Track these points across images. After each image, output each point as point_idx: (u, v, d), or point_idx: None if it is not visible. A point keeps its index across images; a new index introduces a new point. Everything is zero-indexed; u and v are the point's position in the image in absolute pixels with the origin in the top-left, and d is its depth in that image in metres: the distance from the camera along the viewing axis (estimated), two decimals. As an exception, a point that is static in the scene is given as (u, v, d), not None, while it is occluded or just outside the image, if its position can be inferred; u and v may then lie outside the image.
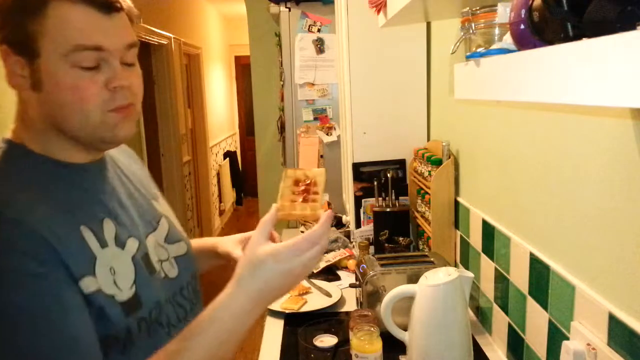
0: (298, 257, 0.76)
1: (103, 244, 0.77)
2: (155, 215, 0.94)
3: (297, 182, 0.87)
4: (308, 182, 0.85)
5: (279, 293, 0.79)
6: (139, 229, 0.86)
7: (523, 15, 0.63)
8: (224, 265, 1.06)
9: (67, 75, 0.74)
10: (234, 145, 7.61)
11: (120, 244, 0.80)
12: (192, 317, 0.83)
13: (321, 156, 2.89)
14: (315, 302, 1.66)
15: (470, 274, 1.19)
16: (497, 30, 0.83)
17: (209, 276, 1.17)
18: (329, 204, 2.48)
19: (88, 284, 0.72)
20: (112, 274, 0.76)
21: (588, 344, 0.87)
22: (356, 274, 1.48)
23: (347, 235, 2.20)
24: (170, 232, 0.95)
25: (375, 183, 1.94)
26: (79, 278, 0.71)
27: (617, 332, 0.82)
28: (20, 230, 0.68)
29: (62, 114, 0.76)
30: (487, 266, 1.38)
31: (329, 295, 1.71)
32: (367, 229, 2.02)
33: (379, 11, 1.50)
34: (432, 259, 1.44)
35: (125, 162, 0.98)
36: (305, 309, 1.61)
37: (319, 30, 2.80)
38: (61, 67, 0.73)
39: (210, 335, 0.74)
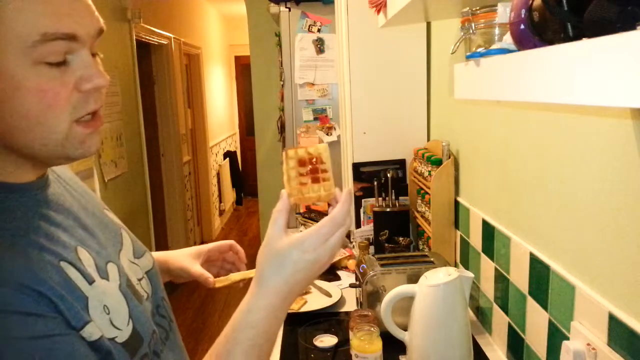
0: (325, 243, 0.70)
1: (89, 280, 0.62)
2: (115, 228, 0.79)
3: (301, 162, 0.78)
4: (313, 160, 0.78)
5: (307, 282, 0.74)
6: (108, 250, 0.72)
7: (523, 15, 0.63)
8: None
9: (29, 75, 0.57)
10: (234, 145, 7.62)
11: (103, 274, 0.66)
12: (172, 336, 0.79)
13: (321, 156, 2.88)
14: (315, 302, 1.66)
15: (470, 274, 1.19)
16: (497, 30, 0.83)
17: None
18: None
19: (91, 332, 0.59)
20: (107, 313, 0.63)
21: (588, 344, 0.87)
22: (356, 274, 1.48)
23: (347, 235, 2.20)
24: (134, 245, 0.81)
25: (375, 183, 1.94)
26: (81, 327, 0.58)
27: (617, 332, 0.82)
28: (9, 288, 0.54)
29: (16, 127, 0.58)
30: (487, 266, 1.38)
31: (329, 295, 1.71)
32: (367, 229, 2.02)
33: (379, 11, 1.50)
34: (432, 259, 1.44)
35: (62, 168, 0.78)
36: (305, 309, 1.61)
37: (319, 30, 2.80)
38: (20, 65, 0.56)
39: (247, 344, 0.69)
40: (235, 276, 1.03)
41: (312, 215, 2.35)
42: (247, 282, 1.02)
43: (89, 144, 0.63)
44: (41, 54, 0.57)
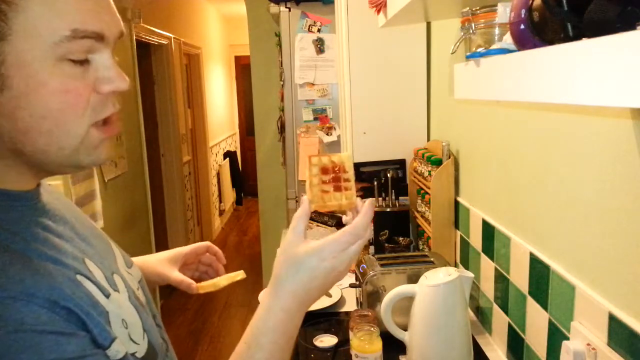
0: (342, 253, 0.70)
1: (105, 293, 0.60)
2: (105, 239, 0.76)
3: (324, 170, 0.79)
4: (337, 168, 0.79)
5: (324, 289, 0.73)
6: (109, 261, 0.69)
7: (523, 15, 0.63)
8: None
9: (53, 72, 0.53)
10: (234, 145, 7.62)
11: (114, 286, 0.63)
12: (170, 347, 0.77)
13: (321, 156, 2.88)
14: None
15: (470, 274, 1.19)
16: (497, 30, 0.83)
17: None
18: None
19: (117, 349, 0.56)
20: (125, 327, 0.60)
21: (588, 344, 0.87)
22: (356, 274, 1.48)
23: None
24: (123, 255, 0.78)
25: (375, 183, 1.94)
26: (109, 345, 0.55)
27: (617, 332, 0.82)
28: (39, 305, 0.50)
29: (33, 128, 0.54)
30: (487, 266, 1.38)
31: (329, 295, 1.71)
32: (367, 229, 2.02)
33: (379, 11, 1.50)
34: (432, 259, 1.44)
35: None
36: (305, 309, 1.61)
37: (319, 30, 2.80)
38: (46, 61, 0.53)
39: (269, 347, 0.68)
40: (222, 281, 0.99)
41: (312, 215, 2.35)
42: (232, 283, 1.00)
43: (100, 151, 0.60)
44: (67, 51, 0.54)
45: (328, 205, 0.77)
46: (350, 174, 0.78)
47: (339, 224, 2.39)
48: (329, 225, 2.19)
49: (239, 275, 1.00)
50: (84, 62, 0.56)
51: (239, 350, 0.69)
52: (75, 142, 0.57)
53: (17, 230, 0.55)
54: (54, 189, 0.72)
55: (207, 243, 1.06)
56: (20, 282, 0.50)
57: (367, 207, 0.73)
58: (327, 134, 2.88)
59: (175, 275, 0.96)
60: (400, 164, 2.03)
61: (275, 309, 0.70)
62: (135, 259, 0.93)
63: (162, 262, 0.97)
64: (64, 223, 0.65)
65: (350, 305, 1.66)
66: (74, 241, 0.63)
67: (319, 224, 2.22)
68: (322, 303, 1.64)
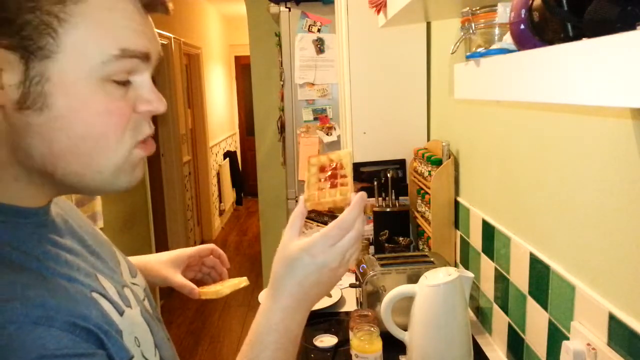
0: (332, 248, 0.69)
1: (120, 310, 0.58)
2: (109, 246, 0.73)
3: (322, 168, 0.78)
4: (334, 165, 0.77)
5: (323, 287, 0.72)
6: (118, 273, 0.68)
7: (523, 15, 0.63)
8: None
9: (97, 92, 0.52)
10: (234, 145, 7.62)
11: (126, 301, 0.62)
12: (176, 355, 0.76)
13: (321, 156, 2.88)
14: (315, 302, 1.66)
15: (470, 274, 1.19)
16: (497, 30, 0.83)
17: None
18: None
19: None
20: (138, 345, 0.59)
21: (588, 344, 0.87)
22: (356, 274, 1.48)
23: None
24: (127, 263, 0.76)
25: (375, 183, 1.94)
26: None
27: (617, 332, 0.82)
28: (57, 327, 0.49)
29: (70, 151, 0.53)
30: (487, 266, 1.38)
31: (329, 295, 1.71)
32: (367, 229, 2.02)
33: (379, 11, 1.50)
34: (432, 259, 1.44)
35: None
36: (305, 309, 1.61)
37: (319, 30, 2.80)
38: (90, 81, 0.52)
39: (273, 347, 0.68)
40: (225, 290, 0.96)
41: (312, 215, 2.34)
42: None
43: (139, 169, 0.60)
44: (112, 71, 0.52)
45: (322, 202, 0.75)
46: (348, 170, 0.77)
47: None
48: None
49: (243, 282, 0.98)
50: (126, 83, 0.55)
51: (244, 351, 0.69)
52: (116, 164, 0.56)
53: (28, 249, 0.54)
54: (61, 198, 0.70)
55: (211, 245, 1.05)
56: (40, 306, 0.49)
57: (355, 200, 0.72)
58: (327, 134, 2.88)
59: (178, 278, 0.95)
60: (400, 164, 2.03)
61: (275, 309, 0.69)
62: (136, 259, 0.93)
63: (165, 265, 0.96)
64: (73, 237, 0.63)
65: (350, 305, 1.66)
66: (84, 256, 0.61)
67: (319, 224, 2.22)
68: (322, 303, 1.64)
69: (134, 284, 0.73)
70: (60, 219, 0.63)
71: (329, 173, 0.77)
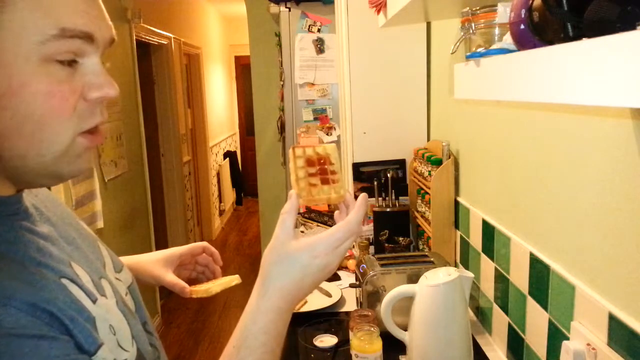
0: (336, 249, 0.68)
1: (92, 298, 0.58)
2: (92, 240, 0.73)
3: (310, 162, 0.76)
4: (322, 160, 0.76)
5: (314, 287, 0.71)
6: (96, 264, 0.67)
7: (523, 15, 0.63)
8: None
9: (38, 72, 0.51)
10: (234, 145, 7.62)
11: (101, 290, 0.62)
12: (162, 354, 0.75)
13: (321, 156, 2.89)
14: (315, 302, 1.66)
15: (470, 274, 1.19)
16: (497, 30, 0.83)
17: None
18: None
19: (104, 356, 0.55)
20: (113, 333, 0.59)
21: (588, 344, 0.87)
22: (356, 274, 1.48)
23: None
24: (112, 258, 0.75)
25: (375, 183, 1.94)
26: (94, 351, 0.54)
27: (617, 332, 0.82)
28: (18, 309, 0.49)
29: (14, 131, 0.52)
30: (487, 266, 1.38)
31: (329, 295, 1.71)
32: (367, 229, 2.02)
33: (379, 11, 1.50)
34: (432, 259, 1.44)
35: None
36: (305, 309, 1.61)
37: (319, 30, 2.80)
38: (31, 59, 0.51)
39: (261, 350, 0.66)
40: (215, 288, 0.95)
41: (312, 215, 2.35)
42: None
43: (82, 160, 0.58)
44: (54, 51, 0.51)
45: (316, 198, 0.74)
46: (337, 166, 0.76)
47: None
48: (329, 225, 2.18)
49: (234, 280, 0.97)
50: (71, 63, 0.54)
51: (227, 353, 0.67)
52: (58, 150, 0.54)
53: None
54: (41, 190, 0.70)
55: (203, 243, 1.04)
56: None
57: (359, 203, 0.71)
58: (327, 134, 2.88)
59: (169, 277, 0.94)
60: (400, 164, 2.03)
61: (264, 309, 0.67)
62: (128, 259, 0.93)
63: (157, 264, 0.95)
64: (50, 225, 0.63)
65: (350, 305, 1.66)
66: (59, 244, 0.61)
67: (319, 224, 2.22)
68: (322, 303, 1.65)
69: (117, 279, 0.72)
70: (36, 207, 0.63)
71: (318, 168, 0.75)
